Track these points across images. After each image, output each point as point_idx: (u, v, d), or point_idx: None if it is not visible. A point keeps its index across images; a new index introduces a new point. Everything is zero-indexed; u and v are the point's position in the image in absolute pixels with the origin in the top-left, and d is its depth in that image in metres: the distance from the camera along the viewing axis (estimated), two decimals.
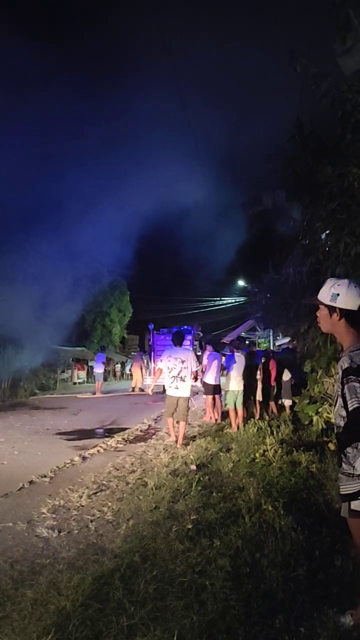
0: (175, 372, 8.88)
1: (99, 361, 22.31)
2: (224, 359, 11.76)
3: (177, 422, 9.14)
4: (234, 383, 10.51)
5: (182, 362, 8.87)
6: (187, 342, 10.78)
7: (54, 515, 5.31)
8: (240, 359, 10.68)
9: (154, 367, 21.75)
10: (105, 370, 24.66)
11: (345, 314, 2.89)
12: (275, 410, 12.05)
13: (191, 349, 10.96)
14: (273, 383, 12.18)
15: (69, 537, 4.69)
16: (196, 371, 9.36)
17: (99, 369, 22.24)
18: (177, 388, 8.89)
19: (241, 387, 10.52)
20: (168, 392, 9.09)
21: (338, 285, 2.93)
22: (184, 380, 8.88)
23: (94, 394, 21.32)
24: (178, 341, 9.38)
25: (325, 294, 2.96)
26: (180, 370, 8.85)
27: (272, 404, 12.17)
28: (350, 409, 2.71)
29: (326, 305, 2.96)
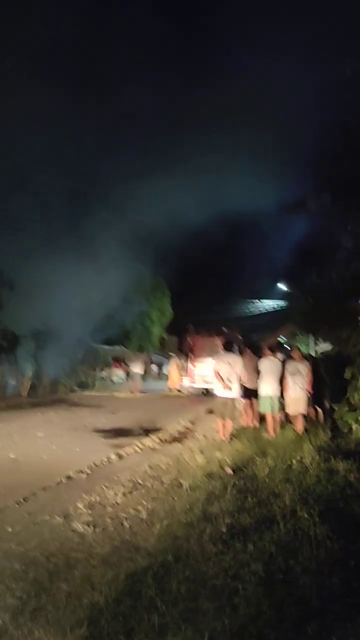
0: (224, 375, 9.70)
1: (140, 360, 22.50)
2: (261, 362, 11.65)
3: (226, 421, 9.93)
4: (268, 388, 10.42)
5: (230, 365, 9.75)
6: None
7: (89, 511, 5.39)
8: (275, 363, 10.58)
9: (192, 369, 21.78)
10: (144, 370, 24.80)
11: None
12: (312, 417, 11.87)
13: (238, 355, 11.07)
14: (312, 390, 11.99)
15: (104, 534, 4.75)
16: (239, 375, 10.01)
17: (137, 369, 22.39)
18: (223, 390, 9.76)
19: (277, 392, 10.42)
20: (217, 393, 9.99)
21: None
22: (232, 382, 9.71)
23: (132, 392, 21.51)
24: (228, 347, 10.44)
25: None
26: (229, 374, 9.67)
27: (310, 410, 11.99)
28: None
29: None
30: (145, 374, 25.45)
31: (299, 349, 11.37)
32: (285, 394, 10.40)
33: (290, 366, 10.46)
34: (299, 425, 10.18)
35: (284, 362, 10.74)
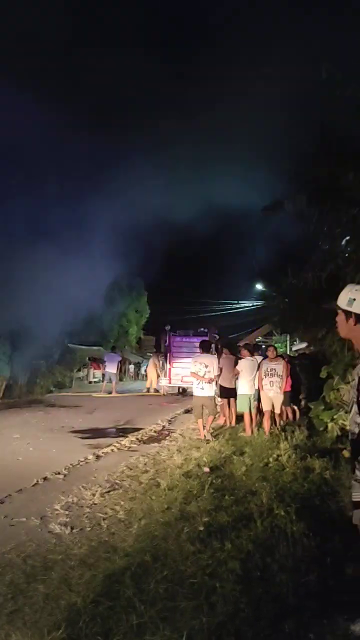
0: (200, 374, 10.03)
1: (114, 361, 22.29)
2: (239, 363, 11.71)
3: (207, 417, 10.21)
4: (246, 387, 10.59)
5: (207, 366, 10.08)
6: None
7: (67, 512, 5.36)
8: (253, 363, 10.69)
9: (169, 369, 21.79)
10: (118, 370, 24.59)
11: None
12: (290, 416, 11.98)
13: (215, 355, 11.20)
14: (288, 389, 12.10)
15: (81, 534, 4.73)
16: (215, 376, 10.35)
17: (112, 369, 22.18)
18: (202, 389, 10.06)
19: (253, 391, 10.56)
20: (195, 393, 10.21)
21: (356, 290, 2.92)
22: (209, 382, 10.08)
23: (110, 393, 21.39)
24: (205, 348, 10.61)
25: (343, 299, 2.96)
26: (205, 374, 10.03)
27: (287, 409, 12.09)
28: None
29: (343, 310, 2.95)
30: (119, 374, 25.23)
31: (274, 348, 11.18)
32: (261, 394, 10.35)
33: (265, 366, 10.36)
34: (268, 425, 10.10)
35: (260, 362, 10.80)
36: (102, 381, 23.78)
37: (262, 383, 10.21)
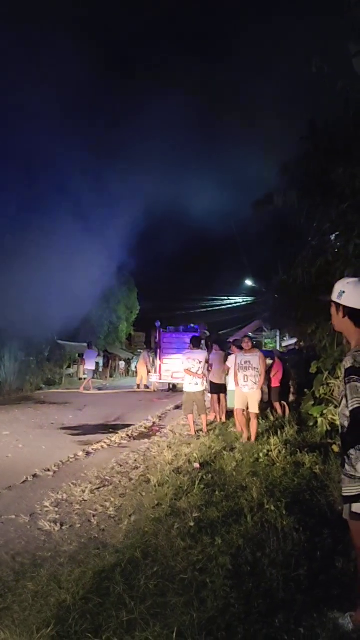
0: (193, 370, 10.01)
1: (91, 357, 22.21)
2: (229, 358, 11.72)
3: (199, 416, 10.15)
4: (233, 383, 10.53)
5: (199, 362, 10.06)
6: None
7: (56, 509, 5.33)
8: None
9: (160, 365, 21.78)
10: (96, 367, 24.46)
11: (348, 312, 2.89)
12: (279, 411, 12.01)
13: (206, 351, 11.21)
14: (277, 384, 12.13)
15: (71, 531, 4.71)
16: (203, 372, 10.28)
17: (90, 366, 22.09)
18: (196, 384, 10.04)
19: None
20: (186, 388, 10.14)
21: (347, 283, 2.93)
22: (199, 378, 10.05)
23: (100, 389, 21.31)
24: (196, 344, 10.61)
25: (335, 291, 2.97)
26: (198, 370, 10.01)
27: (276, 405, 12.13)
28: (350, 408, 2.70)
29: (333, 302, 2.96)
30: (96, 371, 25.06)
31: (249, 339, 9.96)
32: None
33: (239, 358, 9.37)
34: (253, 429, 8.86)
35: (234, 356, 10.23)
36: (96, 377, 23.76)
37: (236, 378, 9.27)
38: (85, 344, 23.42)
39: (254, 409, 9.00)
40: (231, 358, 10.86)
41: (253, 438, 8.68)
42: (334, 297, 2.95)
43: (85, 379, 22.51)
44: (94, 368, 22.53)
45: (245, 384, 9.07)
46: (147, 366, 23.07)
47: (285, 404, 12.21)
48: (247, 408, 9.12)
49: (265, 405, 11.84)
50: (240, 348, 11.15)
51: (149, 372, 22.86)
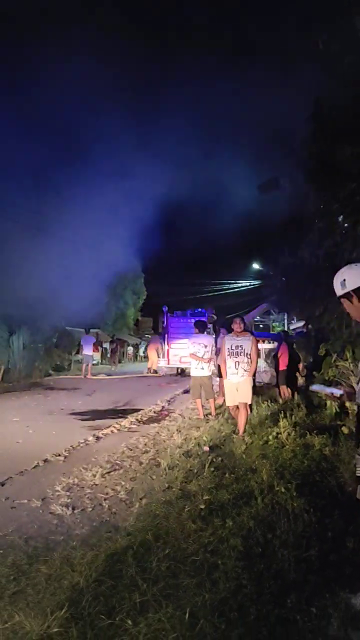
0: (199, 355, 9.93)
1: (90, 343, 22.28)
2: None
3: (207, 400, 10.22)
4: None
5: (205, 346, 9.98)
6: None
7: (68, 493, 5.37)
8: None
9: (168, 349, 21.80)
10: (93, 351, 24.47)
11: (358, 293, 2.85)
12: (287, 394, 11.98)
13: (212, 335, 11.16)
14: (284, 367, 12.10)
15: (82, 515, 4.75)
16: (209, 357, 10.17)
17: (88, 351, 22.15)
18: (202, 369, 9.97)
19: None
20: (193, 373, 10.11)
21: (341, 273, 2.90)
22: (207, 362, 9.99)
23: (84, 376, 21.23)
24: (202, 328, 10.43)
25: (336, 287, 2.94)
26: (204, 354, 9.93)
27: (283, 387, 12.11)
28: None
29: (342, 296, 2.92)
30: (117, 355, 25.12)
31: (241, 319, 8.50)
32: (222, 381, 8.58)
33: (229, 342, 8.14)
34: (242, 420, 7.93)
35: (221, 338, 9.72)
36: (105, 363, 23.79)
37: (224, 367, 8.12)
38: (94, 330, 23.47)
39: (246, 398, 7.98)
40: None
41: (242, 431, 7.80)
42: (339, 291, 2.91)
43: (98, 364, 22.56)
44: (91, 353, 22.61)
45: (236, 372, 7.95)
46: (157, 351, 23.10)
47: (289, 388, 12.18)
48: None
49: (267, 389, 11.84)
50: (248, 331, 11.08)
51: (158, 356, 22.90)
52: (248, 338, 8.17)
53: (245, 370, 7.94)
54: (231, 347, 8.05)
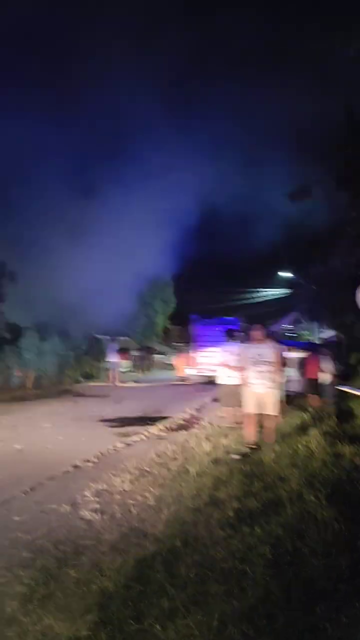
0: (229, 363, 9.59)
1: (113, 351, 22.40)
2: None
3: (236, 408, 9.65)
4: None
5: (235, 355, 9.45)
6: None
7: (97, 499, 5.41)
8: (279, 350, 10.52)
9: (196, 358, 21.76)
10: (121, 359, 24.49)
11: None
12: (316, 403, 11.83)
13: (241, 342, 11.10)
14: (314, 376, 11.97)
15: (111, 520, 4.77)
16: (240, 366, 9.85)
17: (113, 358, 22.26)
18: (232, 377, 9.48)
19: (282, 379, 10.38)
20: (223, 381, 9.91)
21: None
22: (235, 370, 9.51)
23: (112, 384, 21.32)
24: (231, 337, 10.34)
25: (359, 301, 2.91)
26: (234, 363, 9.43)
27: (313, 396, 11.97)
28: None
29: None
30: (145, 363, 25.12)
31: (262, 326, 8.14)
32: (244, 391, 7.78)
33: (251, 351, 7.71)
34: (271, 428, 7.58)
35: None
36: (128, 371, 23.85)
37: (246, 375, 7.69)
38: (123, 338, 23.60)
39: (272, 409, 7.58)
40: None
41: (273, 437, 7.50)
42: None
43: (128, 372, 22.65)
44: (116, 360, 22.72)
45: (259, 383, 7.50)
46: (184, 359, 23.09)
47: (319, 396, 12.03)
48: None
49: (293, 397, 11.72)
50: (278, 340, 10.99)
51: (186, 365, 22.88)
52: (270, 346, 7.79)
53: (270, 381, 7.52)
54: (252, 356, 7.68)
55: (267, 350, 7.66)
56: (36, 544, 4.22)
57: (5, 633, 2.93)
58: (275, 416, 7.72)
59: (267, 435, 7.54)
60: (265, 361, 7.53)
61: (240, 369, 8.64)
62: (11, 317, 18.28)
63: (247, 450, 6.99)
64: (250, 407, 7.69)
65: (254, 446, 7.33)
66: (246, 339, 12.50)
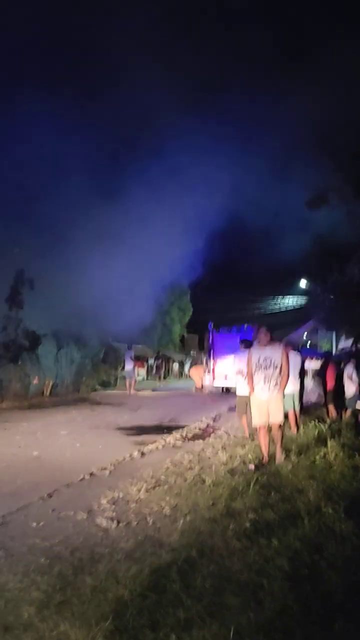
0: (246, 372, 9.35)
1: (129, 358, 22.40)
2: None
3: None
4: (289, 385, 10.22)
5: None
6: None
7: (113, 507, 5.41)
8: (295, 358, 10.41)
9: (213, 366, 21.71)
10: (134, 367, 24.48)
11: None
12: (335, 414, 11.73)
13: None
14: (332, 386, 11.87)
15: (127, 529, 4.77)
16: None
17: (129, 366, 22.25)
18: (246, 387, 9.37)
19: (297, 388, 10.27)
20: (239, 391, 9.67)
21: None
22: None
23: (128, 392, 21.29)
24: (247, 346, 10.01)
25: None
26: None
27: (331, 407, 11.87)
28: None
29: None
30: (149, 372, 25.06)
31: (266, 329, 7.54)
32: (250, 398, 7.57)
33: (256, 354, 7.33)
34: (278, 444, 7.23)
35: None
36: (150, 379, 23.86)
37: (251, 381, 7.35)
38: (140, 346, 23.63)
39: (277, 417, 7.24)
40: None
41: (279, 454, 7.16)
42: None
43: (144, 380, 22.64)
44: (133, 368, 22.70)
45: (265, 388, 7.18)
46: (201, 368, 23.05)
47: (334, 408, 11.92)
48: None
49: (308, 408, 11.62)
50: (295, 349, 10.85)
51: (204, 374, 22.82)
52: (277, 348, 7.40)
53: (275, 385, 7.14)
54: (259, 360, 7.25)
55: (273, 352, 7.27)
56: (53, 550, 4.23)
57: (22, 638, 2.94)
58: (280, 425, 7.34)
59: (276, 446, 7.27)
60: (271, 365, 7.17)
61: (247, 375, 7.93)
62: (30, 325, 18.42)
63: (251, 468, 6.75)
64: (256, 418, 7.39)
65: (263, 461, 7.12)
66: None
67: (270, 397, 7.18)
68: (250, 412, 8.09)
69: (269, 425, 7.30)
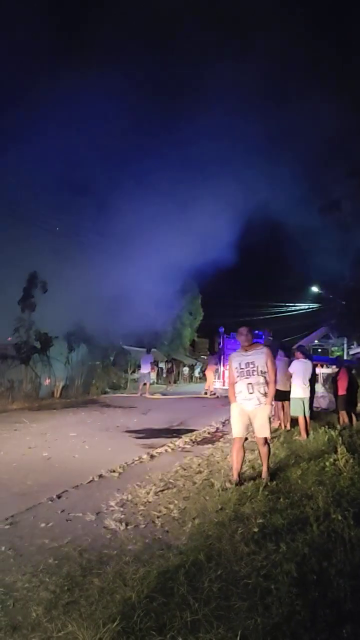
0: None
1: (147, 362, 22.38)
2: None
3: None
4: (299, 390, 10.23)
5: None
6: None
7: (121, 509, 5.43)
8: (305, 365, 10.40)
9: (223, 371, 21.69)
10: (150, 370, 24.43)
11: None
12: (346, 420, 11.68)
13: None
14: (343, 392, 11.82)
15: (135, 531, 4.78)
16: None
17: (145, 370, 22.23)
18: None
19: (307, 394, 10.24)
20: None
21: None
22: None
23: (141, 395, 21.29)
24: None
25: None
26: None
27: (343, 413, 11.82)
28: None
29: None
30: (159, 376, 25.10)
31: (247, 331, 6.47)
32: (231, 407, 6.51)
33: (237, 360, 6.38)
34: (264, 460, 6.38)
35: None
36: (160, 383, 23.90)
37: (232, 390, 6.41)
38: (138, 349, 23.60)
39: (263, 432, 6.33)
40: (294, 364, 10.22)
41: (265, 472, 6.34)
42: None
43: (154, 383, 22.65)
44: (148, 371, 22.70)
45: (249, 398, 6.21)
46: (212, 372, 23.05)
47: (347, 414, 11.87)
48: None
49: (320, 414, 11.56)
50: (304, 354, 10.82)
51: (214, 378, 22.81)
52: (261, 351, 6.38)
53: (262, 395, 6.19)
54: (239, 365, 6.31)
55: (256, 357, 6.30)
56: (62, 551, 4.26)
57: (30, 638, 2.96)
58: (267, 440, 6.43)
59: (262, 464, 6.48)
60: (254, 370, 6.23)
61: (229, 383, 6.80)
62: (41, 327, 18.54)
63: (228, 486, 5.98)
64: (236, 428, 6.39)
65: (232, 480, 6.20)
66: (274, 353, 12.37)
67: (256, 410, 6.24)
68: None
69: (245, 438, 6.52)
